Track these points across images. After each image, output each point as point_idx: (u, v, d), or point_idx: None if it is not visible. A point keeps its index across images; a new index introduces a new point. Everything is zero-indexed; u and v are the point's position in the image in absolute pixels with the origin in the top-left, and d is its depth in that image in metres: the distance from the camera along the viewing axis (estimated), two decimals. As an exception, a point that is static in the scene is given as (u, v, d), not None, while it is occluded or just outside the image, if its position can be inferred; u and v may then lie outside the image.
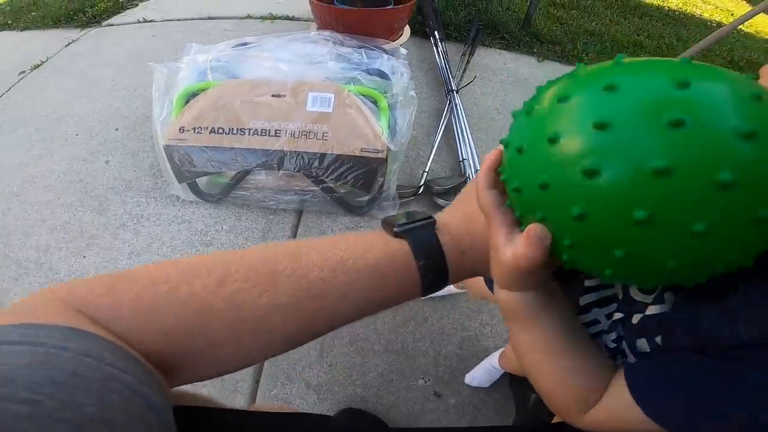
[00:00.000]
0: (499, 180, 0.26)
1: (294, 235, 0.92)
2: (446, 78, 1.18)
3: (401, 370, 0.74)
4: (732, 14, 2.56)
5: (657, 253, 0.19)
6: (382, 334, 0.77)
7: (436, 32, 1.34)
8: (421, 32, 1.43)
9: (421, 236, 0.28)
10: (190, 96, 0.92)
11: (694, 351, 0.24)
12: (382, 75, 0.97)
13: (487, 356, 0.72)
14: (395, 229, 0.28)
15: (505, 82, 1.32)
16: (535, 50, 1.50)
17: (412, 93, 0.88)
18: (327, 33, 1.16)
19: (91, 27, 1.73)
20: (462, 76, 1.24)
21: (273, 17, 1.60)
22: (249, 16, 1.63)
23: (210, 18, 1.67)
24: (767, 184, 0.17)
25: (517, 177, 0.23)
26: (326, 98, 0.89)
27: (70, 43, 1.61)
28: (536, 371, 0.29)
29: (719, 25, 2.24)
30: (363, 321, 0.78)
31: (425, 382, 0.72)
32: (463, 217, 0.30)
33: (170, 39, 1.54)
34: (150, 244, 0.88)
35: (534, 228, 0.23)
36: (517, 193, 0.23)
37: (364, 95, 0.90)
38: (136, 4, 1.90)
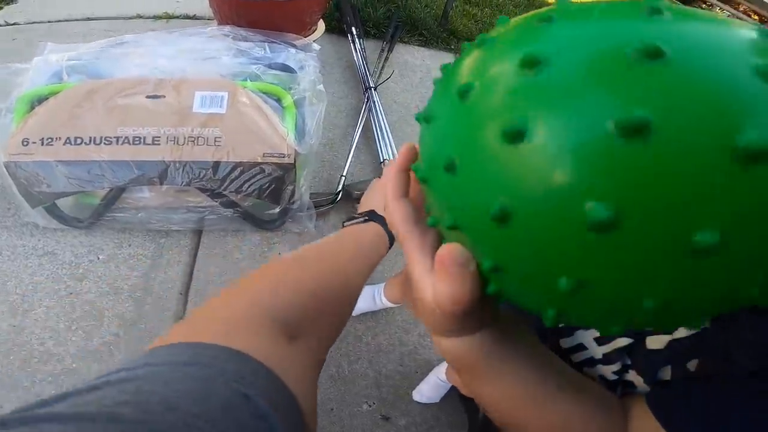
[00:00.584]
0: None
1: (193, 260, 0.77)
2: (364, 75, 1.10)
3: (341, 397, 0.67)
4: None
5: (630, 277, 0.11)
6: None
7: (353, 29, 1.27)
8: (338, 29, 1.35)
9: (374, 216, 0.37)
10: (36, 102, 0.73)
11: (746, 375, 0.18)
12: (286, 69, 0.85)
13: (431, 370, 0.69)
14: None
15: (424, 78, 1.29)
16: (452, 46, 1.51)
17: (321, 87, 0.77)
18: (227, 28, 1.01)
19: None
20: (380, 73, 1.17)
21: (169, 16, 1.40)
22: (139, 16, 1.42)
23: (89, 19, 1.43)
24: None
25: (422, 158, 0.17)
26: (217, 97, 0.75)
27: None
28: (523, 426, 0.21)
29: None
30: None
31: (370, 406, 0.67)
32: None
33: (36, 44, 1.28)
34: (4, 283, 0.70)
35: (449, 251, 0.15)
36: (424, 184, 0.17)
37: (264, 92, 0.77)
38: (1, 8, 1.60)
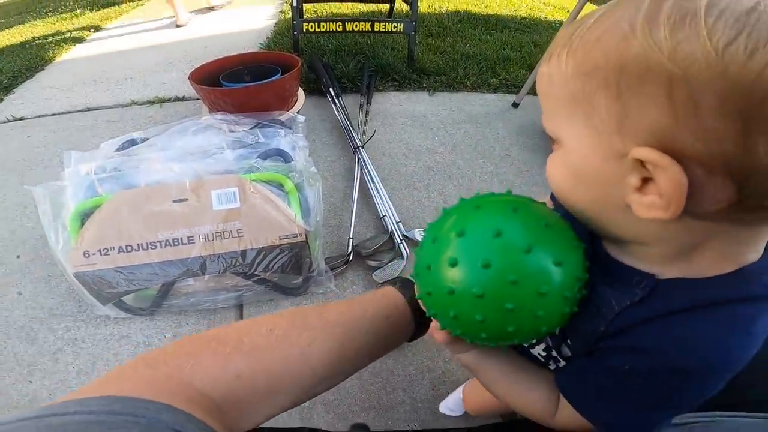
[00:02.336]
0: None
1: None
2: (350, 135, 1.23)
3: (384, 423, 0.75)
4: (568, 11, 2.91)
5: (499, 315, 0.28)
6: (354, 395, 0.78)
7: (331, 89, 1.40)
8: (317, 90, 1.47)
9: (405, 282, 0.41)
10: (84, 216, 0.86)
11: (585, 353, 0.31)
12: (281, 154, 0.98)
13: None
14: (382, 282, 0.45)
15: (405, 123, 1.40)
16: (424, 84, 1.62)
17: (314, 169, 0.91)
18: (219, 115, 1.15)
19: None
20: (364, 129, 1.30)
21: (161, 100, 1.53)
22: (134, 103, 1.55)
23: (89, 109, 1.56)
24: (504, 291, 0.27)
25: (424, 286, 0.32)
26: (230, 193, 0.88)
27: None
28: (502, 396, 0.37)
29: (560, 24, 2.54)
30: (333, 389, 0.79)
31: (410, 427, 0.74)
32: None
33: (48, 140, 1.42)
34: (94, 362, 0.83)
35: (433, 325, 0.34)
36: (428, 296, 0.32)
37: (267, 181, 0.90)
38: (1, 100, 1.73)
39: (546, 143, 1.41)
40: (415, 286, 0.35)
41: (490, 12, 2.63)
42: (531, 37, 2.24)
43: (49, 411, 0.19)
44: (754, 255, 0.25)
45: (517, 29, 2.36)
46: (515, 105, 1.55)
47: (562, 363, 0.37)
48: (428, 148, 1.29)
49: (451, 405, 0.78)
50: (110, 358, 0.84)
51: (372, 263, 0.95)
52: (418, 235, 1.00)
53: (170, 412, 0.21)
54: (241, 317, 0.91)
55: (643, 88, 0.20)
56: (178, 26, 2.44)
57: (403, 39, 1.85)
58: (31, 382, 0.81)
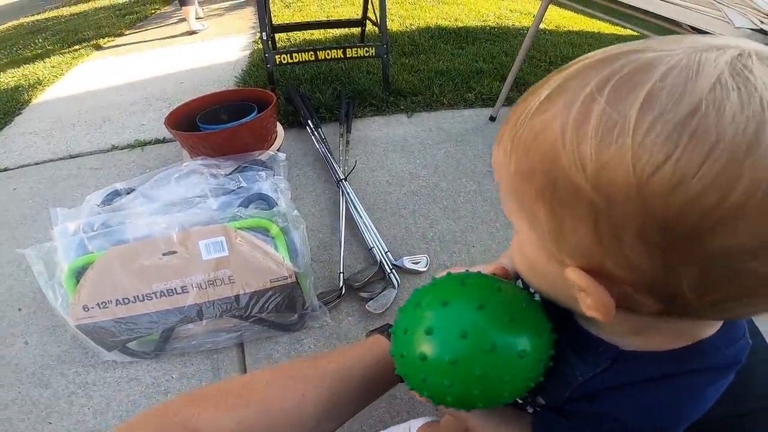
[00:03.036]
0: None
1: (244, 366, 0.92)
2: (332, 167, 1.26)
3: None
4: (533, 16, 3.06)
5: (468, 382, 0.30)
6: (359, 419, 0.79)
7: (309, 121, 1.42)
8: (296, 123, 1.49)
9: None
10: (78, 273, 0.87)
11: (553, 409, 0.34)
12: (264, 198, 1.00)
13: None
14: (370, 332, 0.46)
15: (386, 149, 1.42)
16: (402, 106, 1.64)
17: (296, 213, 0.93)
18: (200, 160, 1.16)
19: None
20: (346, 159, 1.33)
21: (141, 144, 1.53)
22: (115, 147, 1.55)
23: (71, 156, 1.56)
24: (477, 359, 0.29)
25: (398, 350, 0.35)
26: (218, 243, 0.89)
27: None
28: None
29: (528, 30, 2.66)
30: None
31: None
32: None
33: (35, 191, 1.41)
34: (108, 404, 0.85)
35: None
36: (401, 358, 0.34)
37: (252, 228, 0.91)
38: None
39: None
40: (390, 343, 0.37)
41: (460, 25, 2.70)
42: (501, 47, 2.30)
43: None
44: (709, 330, 0.26)
45: (488, 40, 2.42)
46: (492, 119, 1.59)
47: (539, 408, 0.39)
48: (411, 173, 1.31)
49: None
50: (122, 399, 0.86)
51: (364, 295, 0.97)
52: (407, 263, 1.02)
53: None
54: (243, 355, 0.93)
55: (573, 210, 0.20)
56: (190, 33, 2.92)
57: (377, 62, 1.89)
58: (50, 423, 0.84)
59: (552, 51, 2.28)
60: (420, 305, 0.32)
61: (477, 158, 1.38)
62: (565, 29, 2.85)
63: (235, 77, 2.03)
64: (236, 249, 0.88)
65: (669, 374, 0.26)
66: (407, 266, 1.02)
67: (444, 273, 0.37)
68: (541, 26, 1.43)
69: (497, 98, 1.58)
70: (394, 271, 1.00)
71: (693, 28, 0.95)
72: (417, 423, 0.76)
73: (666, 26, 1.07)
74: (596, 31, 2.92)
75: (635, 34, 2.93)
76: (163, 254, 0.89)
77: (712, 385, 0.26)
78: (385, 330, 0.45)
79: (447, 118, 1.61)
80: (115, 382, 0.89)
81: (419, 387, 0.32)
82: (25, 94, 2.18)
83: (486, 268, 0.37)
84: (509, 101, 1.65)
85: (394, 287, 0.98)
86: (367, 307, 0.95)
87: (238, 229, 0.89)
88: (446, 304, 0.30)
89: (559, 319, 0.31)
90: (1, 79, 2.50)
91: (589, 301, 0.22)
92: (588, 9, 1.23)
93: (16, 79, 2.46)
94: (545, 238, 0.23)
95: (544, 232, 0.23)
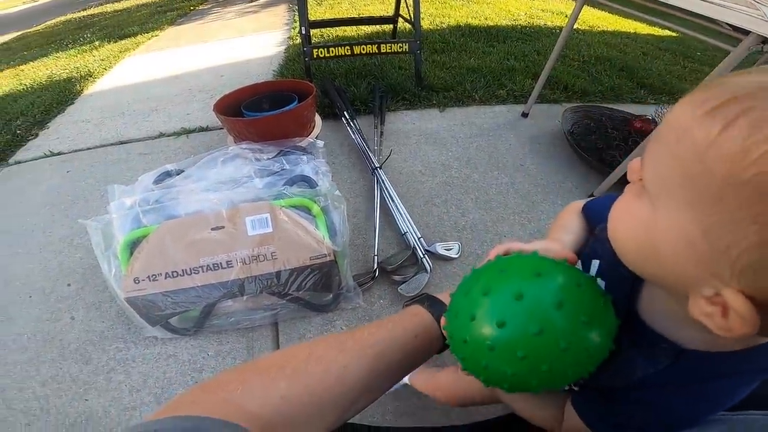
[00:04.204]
0: None
1: (277, 345, 0.95)
2: (367, 156, 1.30)
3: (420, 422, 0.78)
4: (566, 16, 2.97)
5: (531, 374, 0.30)
6: (386, 402, 0.81)
7: (345, 112, 1.47)
8: (332, 114, 1.54)
9: (431, 300, 0.44)
10: (132, 245, 0.93)
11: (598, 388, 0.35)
12: (306, 180, 1.05)
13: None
14: (407, 302, 0.46)
15: (419, 141, 1.45)
16: (434, 101, 1.67)
17: (337, 192, 0.97)
18: (245, 145, 1.22)
19: None
20: (380, 149, 1.36)
21: (187, 131, 1.62)
22: (162, 134, 1.64)
23: (121, 142, 1.66)
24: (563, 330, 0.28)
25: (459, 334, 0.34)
26: (263, 219, 0.95)
27: None
28: (518, 411, 0.43)
29: (561, 29, 2.64)
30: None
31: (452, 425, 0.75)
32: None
33: (88, 173, 1.51)
34: (145, 380, 0.90)
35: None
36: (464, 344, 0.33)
37: (295, 206, 0.96)
38: (36, 135, 1.84)
39: (560, 151, 1.47)
40: (444, 321, 0.36)
41: (491, 24, 2.70)
42: (533, 46, 2.29)
43: (132, 430, 0.24)
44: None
45: (519, 39, 2.42)
46: (524, 115, 1.60)
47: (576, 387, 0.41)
48: (443, 164, 1.34)
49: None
50: (159, 375, 0.90)
51: (397, 278, 1.00)
52: (440, 249, 1.05)
53: (231, 428, 0.26)
54: (277, 334, 0.97)
55: (761, 236, 0.18)
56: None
57: (409, 58, 1.92)
58: (87, 400, 0.87)
59: (586, 50, 2.26)
60: (489, 293, 0.31)
61: (509, 152, 1.39)
62: (599, 29, 2.81)
63: (273, 71, 2.11)
64: (280, 226, 0.93)
65: (727, 373, 0.27)
66: (440, 252, 1.05)
67: (501, 249, 0.36)
68: (575, 26, 1.43)
69: (529, 95, 1.59)
70: (426, 256, 1.03)
71: (732, 26, 0.94)
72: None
73: (706, 25, 1.06)
74: (632, 31, 2.86)
75: (674, 34, 2.85)
76: (212, 229, 0.95)
77: (748, 385, 0.28)
78: (425, 301, 0.45)
79: (479, 113, 1.62)
80: (153, 358, 0.94)
81: (476, 371, 0.32)
82: (77, 85, 2.32)
83: (546, 247, 0.35)
84: (542, 99, 1.65)
85: (426, 272, 1.00)
86: (399, 290, 0.98)
87: (283, 207, 0.94)
88: (521, 297, 0.29)
89: (620, 311, 0.31)
90: (55, 72, 2.67)
91: (711, 309, 0.21)
92: (625, 8, 1.22)
93: (68, 71, 2.62)
94: (709, 241, 0.20)
95: (710, 234, 0.20)
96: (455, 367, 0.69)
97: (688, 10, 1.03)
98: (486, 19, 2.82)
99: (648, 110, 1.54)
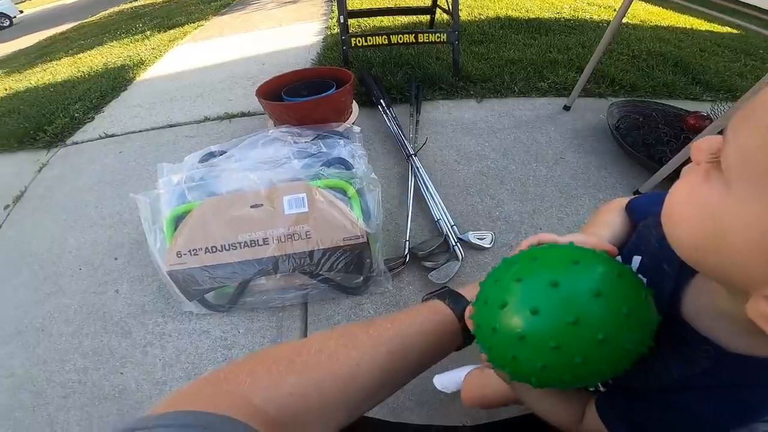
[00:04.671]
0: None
1: (305, 326, 0.97)
2: (402, 143, 1.30)
3: (438, 418, 0.77)
4: (614, 10, 2.81)
5: (563, 367, 0.28)
6: (409, 390, 0.81)
7: (382, 101, 1.47)
8: (369, 103, 1.55)
9: (453, 295, 0.42)
10: (177, 219, 0.98)
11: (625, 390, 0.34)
12: (343, 162, 1.07)
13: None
14: (427, 295, 0.43)
15: (455, 130, 1.44)
16: (471, 92, 1.64)
17: (373, 176, 0.98)
18: (284, 128, 1.26)
19: (56, 147, 1.78)
20: (416, 137, 1.36)
21: (229, 116, 1.69)
22: (206, 118, 1.72)
23: (170, 126, 1.75)
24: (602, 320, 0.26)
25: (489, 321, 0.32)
26: (300, 199, 0.97)
27: (41, 168, 1.65)
28: (530, 405, 0.41)
29: (608, 23, 2.50)
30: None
31: (466, 423, 0.76)
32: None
33: (138, 154, 1.61)
34: (178, 355, 0.94)
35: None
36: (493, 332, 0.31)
37: (331, 188, 0.98)
38: (92, 118, 1.98)
39: (603, 145, 1.41)
40: (470, 311, 0.34)
41: (532, 16, 2.61)
42: (578, 39, 2.19)
43: (133, 425, 0.23)
44: None
45: (562, 32, 2.32)
46: (566, 108, 1.54)
47: (603, 388, 0.39)
48: (479, 154, 1.32)
49: (444, 382, 0.79)
50: (192, 351, 0.94)
51: (428, 264, 1.00)
52: (472, 237, 1.04)
53: (232, 424, 0.24)
54: (306, 315, 1.00)
55: None
56: None
57: (446, 48, 1.89)
58: (122, 373, 0.91)
59: (636, 45, 2.14)
60: (522, 280, 0.29)
61: (549, 145, 1.35)
62: (651, 24, 2.66)
63: (311, 60, 2.15)
64: (316, 206, 0.95)
65: (765, 381, 0.26)
66: (472, 241, 1.03)
67: (534, 240, 0.35)
68: (624, 20, 1.34)
69: (572, 88, 1.53)
70: (458, 244, 1.02)
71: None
72: (464, 371, 0.76)
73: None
74: (689, 27, 2.68)
75: (734, 31, 2.64)
76: (251, 206, 0.98)
77: None
78: (446, 296, 0.42)
79: (518, 105, 1.58)
80: (188, 333, 0.97)
81: (504, 363, 0.30)
82: (130, 73, 2.47)
83: (582, 240, 0.33)
84: (586, 92, 1.58)
85: (457, 260, 1.00)
86: (429, 277, 0.98)
87: (319, 187, 0.96)
88: (557, 285, 0.27)
89: (662, 308, 0.29)
90: (110, 60, 2.85)
91: None
92: (683, 1, 1.14)
93: (122, 59, 2.79)
94: None
95: None
96: (477, 369, 0.68)
97: (752, 5, 0.95)
98: (527, 11, 2.73)
99: (703, 107, 1.44)
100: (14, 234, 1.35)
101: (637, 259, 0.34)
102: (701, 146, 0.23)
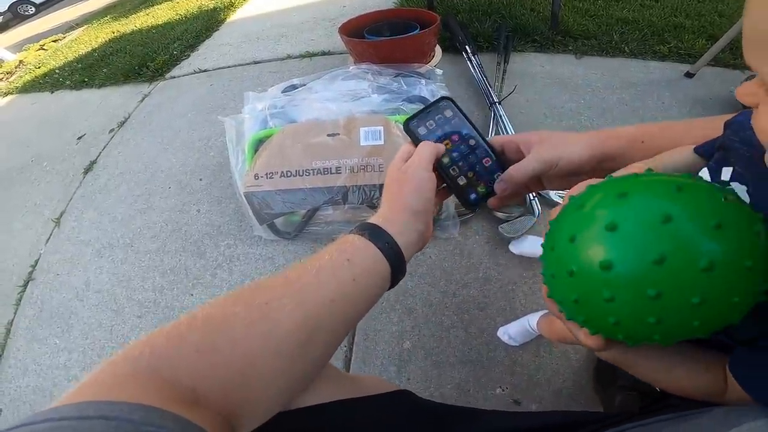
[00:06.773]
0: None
1: None
2: (486, 91, 1.21)
3: (478, 379, 0.74)
4: None
5: (677, 319, 0.23)
6: (456, 346, 0.79)
7: (467, 47, 1.38)
8: (452, 48, 1.46)
9: (373, 229, 0.36)
10: (258, 143, 1.02)
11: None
12: (423, 101, 1.02)
13: (567, 361, 0.71)
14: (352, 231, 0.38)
15: (546, 84, 1.31)
16: (570, 47, 1.47)
17: (455, 115, 0.92)
18: (364, 66, 1.23)
19: (157, 80, 1.97)
20: (502, 87, 1.26)
21: (310, 54, 1.71)
22: (289, 56, 1.76)
23: (255, 62, 1.83)
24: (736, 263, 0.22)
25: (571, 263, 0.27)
26: (376, 131, 0.96)
27: (144, 98, 1.85)
28: (660, 386, 0.35)
29: None
30: (436, 336, 0.82)
31: (503, 390, 0.72)
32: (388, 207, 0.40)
33: (227, 87, 1.71)
34: (243, 280, 0.99)
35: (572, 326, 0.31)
36: (570, 277, 0.26)
37: (410, 124, 0.95)
38: (188, 55, 2.16)
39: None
40: (546, 268, 0.30)
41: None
42: (714, 6, 1.84)
43: (26, 420, 0.20)
44: None
45: (695, -3, 1.96)
46: (689, 75, 1.32)
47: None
48: (572, 110, 1.19)
49: (512, 333, 0.74)
50: (256, 276, 0.98)
51: (500, 215, 0.94)
52: (552, 194, 0.95)
53: (142, 411, 0.20)
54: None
55: None
56: None
57: (544, 0, 1.70)
58: (192, 295, 0.97)
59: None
60: (617, 227, 0.24)
61: (660, 111, 1.17)
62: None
63: (393, 2, 2.07)
64: (392, 140, 0.93)
65: None
66: (552, 198, 0.95)
67: (583, 186, 0.30)
68: None
69: (699, 56, 1.30)
70: (536, 199, 0.94)
71: None
72: (534, 317, 0.72)
73: None
74: None
75: None
76: (328, 135, 0.99)
77: None
78: (365, 230, 0.37)
79: (626, 66, 1.38)
80: (254, 259, 1.01)
81: (608, 331, 0.26)
82: (222, 14, 2.62)
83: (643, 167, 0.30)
84: (716, 62, 1.33)
85: (533, 215, 0.92)
86: (500, 228, 0.92)
87: (397, 122, 0.94)
88: (669, 220, 0.22)
89: None
90: (204, 3, 3.03)
91: None
92: None
93: (214, 2, 2.95)
94: None
95: None
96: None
97: None
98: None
99: None
100: (116, 153, 1.53)
101: (727, 171, 0.29)
102: (746, 91, 0.23)
